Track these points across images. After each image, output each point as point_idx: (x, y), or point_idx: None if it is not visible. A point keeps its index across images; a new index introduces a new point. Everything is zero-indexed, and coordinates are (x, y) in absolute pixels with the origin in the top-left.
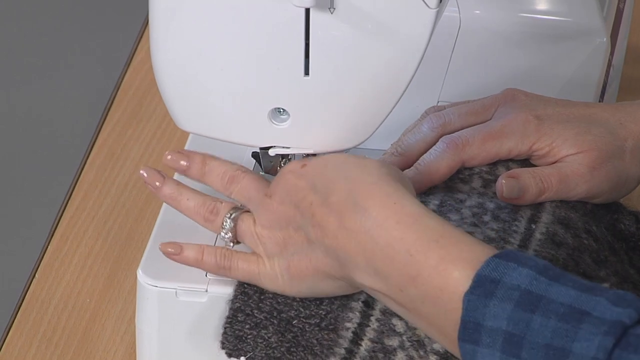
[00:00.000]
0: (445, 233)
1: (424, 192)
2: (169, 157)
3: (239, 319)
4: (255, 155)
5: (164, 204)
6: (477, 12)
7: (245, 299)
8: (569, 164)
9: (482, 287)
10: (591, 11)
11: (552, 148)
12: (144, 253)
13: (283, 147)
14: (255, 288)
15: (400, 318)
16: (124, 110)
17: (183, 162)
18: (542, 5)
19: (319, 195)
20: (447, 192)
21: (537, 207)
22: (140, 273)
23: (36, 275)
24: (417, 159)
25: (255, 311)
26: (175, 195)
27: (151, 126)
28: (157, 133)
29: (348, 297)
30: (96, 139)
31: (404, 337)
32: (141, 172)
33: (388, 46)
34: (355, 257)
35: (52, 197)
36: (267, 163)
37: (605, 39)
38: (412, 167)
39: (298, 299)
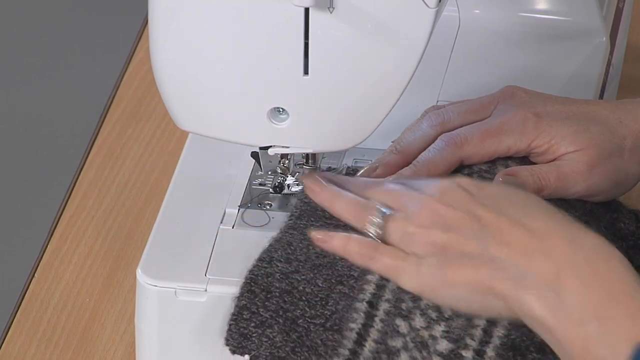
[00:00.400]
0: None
1: None
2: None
3: (244, 316)
4: (254, 154)
5: (164, 202)
6: (477, 11)
7: (252, 297)
8: (567, 161)
9: None
10: (591, 11)
11: (550, 145)
12: (143, 252)
13: (282, 147)
14: (262, 286)
15: (404, 319)
16: (124, 110)
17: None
18: (541, 5)
19: (509, 218)
20: None
21: None
22: (139, 272)
23: (36, 275)
24: (416, 157)
25: (261, 310)
26: (331, 199)
27: (151, 125)
28: (156, 132)
29: (352, 298)
30: (96, 138)
31: (407, 338)
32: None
33: (387, 46)
34: (545, 279)
35: (52, 196)
36: (267, 162)
37: (604, 39)
38: (410, 165)
39: (304, 299)
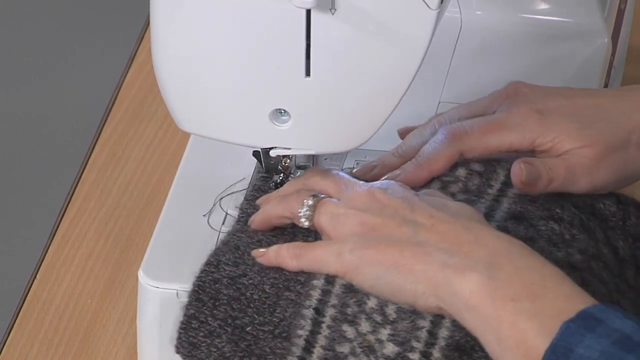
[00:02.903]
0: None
1: None
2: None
3: (193, 325)
4: (256, 154)
5: (166, 203)
6: (479, 13)
7: (200, 305)
8: (574, 156)
9: (584, 320)
10: (592, 12)
11: (554, 143)
12: (145, 254)
13: (284, 148)
14: (210, 294)
15: (350, 324)
16: (126, 111)
17: None
18: (543, 6)
19: (445, 214)
20: None
21: (492, 204)
22: (141, 274)
23: (37, 276)
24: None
25: (210, 318)
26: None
27: (152, 126)
28: (158, 133)
29: (299, 305)
30: (98, 139)
31: (355, 343)
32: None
33: (389, 47)
34: (478, 260)
35: (54, 197)
36: (268, 163)
37: (606, 40)
38: (412, 160)
39: (252, 306)
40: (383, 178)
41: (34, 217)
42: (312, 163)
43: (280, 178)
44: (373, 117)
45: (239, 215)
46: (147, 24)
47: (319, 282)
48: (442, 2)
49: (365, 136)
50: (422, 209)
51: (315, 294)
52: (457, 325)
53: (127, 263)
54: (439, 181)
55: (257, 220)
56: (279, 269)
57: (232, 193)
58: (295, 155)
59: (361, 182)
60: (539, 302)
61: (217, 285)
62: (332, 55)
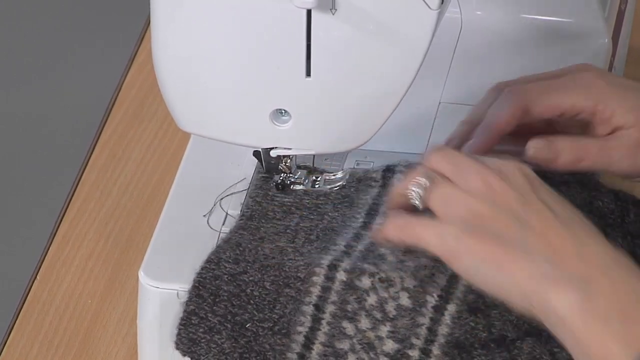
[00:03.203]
0: None
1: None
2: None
3: (192, 321)
4: (256, 154)
5: (166, 204)
6: (479, 13)
7: (200, 301)
8: (616, 137)
9: None
10: (592, 12)
11: (613, 115)
12: (145, 254)
13: (285, 148)
14: (210, 290)
15: (350, 321)
16: (126, 111)
17: None
18: (543, 7)
19: (559, 222)
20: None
21: None
22: (141, 274)
23: (37, 277)
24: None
25: (210, 315)
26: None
27: (153, 127)
28: (158, 134)
29: (299, 301)
30: (98, 139)
31: (354, 340)
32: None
33: (390, 47)
34: (576, 275)
35: (54, 197)
36: (269, 163)
37: (606, 40)
38: (480, 124)
39: (252, 303)
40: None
41: (34, 217)
42: (312, 163)
43: (281, 178)
44: (373, 117)
45: (242, 212)
46: (148, 24)
47: (318, 279)
48: (442, 3)
49: (365, 136)
50: (535, 208)
51: (315, 291)
52: (456, 323)
53: (128, 263)
54: None
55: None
56: (279, 267)
57: (233, 193)
58: (296, 155)
59: (480, 161)
60: (630, 325)
61: (217, 282)
62: (333, 55)
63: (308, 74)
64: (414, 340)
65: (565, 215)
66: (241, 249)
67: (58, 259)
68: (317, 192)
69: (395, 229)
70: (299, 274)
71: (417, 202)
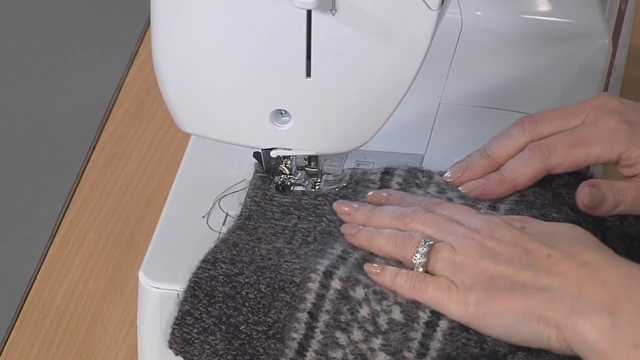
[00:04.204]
0: None
1: None
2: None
3: (187, 321)
4: (256, 155)
5: (166, 204)
6: (479, 13)
7: (195, 301)
8: None
9: None
10: (593, 13)
11: (638, 161)
12: (145, 254)
13: (285, 149)
14: (205, 291)
15: (343, 331)
16: (126, 111)
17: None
18: (543, 7)
19: (560, 251)
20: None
21: (490, 209)
22: (141, 275)
23: (38, 277)
24: (504, 163)
25: (204, 315)
26: (369, 236)
27: (153, 127)
28: (158, 134)
29: (294, 308)
30: (98, 139)
31: (347, 350)
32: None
33: (390, 48)
34: (601, 302)
35: (54, 197)
36: (269, 163)
37: (606, 41)
38: (497, 172)
39: (247, 305)
40: (462, 187)
41: (34, 217)
42: (312, 164)
43: (282, 179)
44: (374, 117)
45: (241, 212)
46: (148, 24)
47: (314, 286)
48: (442, 3)
49: (365, 137)
50: (537, 249)
51: (310, 298)
52: (448, 339)
53: (128, 264)
54: (436, 185)
55: (359, 243)
56: (275, 269)
57: (232, 193)
58: (296, 155)
59: (457, 218)
60: None
61: (213, 283)
62: (333, 55)
63: (308, 74)
64: (406, 354)
65: (565, 240)
66: (238, 249)
67: (58, 259)
68: (316, 192)
69: (410, 289)
70: (294, 278)
71: (420, 269)
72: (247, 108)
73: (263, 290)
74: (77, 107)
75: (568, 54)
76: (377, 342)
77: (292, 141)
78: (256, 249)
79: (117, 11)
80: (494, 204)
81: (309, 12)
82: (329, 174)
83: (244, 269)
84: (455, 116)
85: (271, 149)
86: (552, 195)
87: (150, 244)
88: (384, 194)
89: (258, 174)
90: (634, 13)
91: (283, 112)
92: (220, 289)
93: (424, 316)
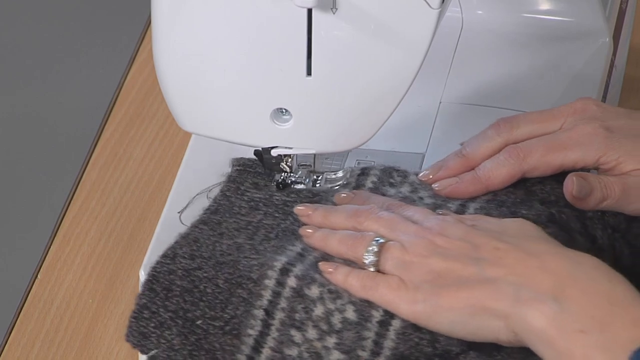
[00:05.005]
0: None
1: None
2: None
3: (144, 315)
4: (257, 153)
5: (167, 204)
6: (480, 12)
7: (152, 295)
8: (633, 177)
9: None
10: (594, 12)
11: (618, 163)
12: (146, 254)
13: (286, 148)
14: (163, 284)
15: (298, 330)
16: (127, 111)
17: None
18: (544, 6)
19: (507, 243)
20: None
21: (460, 209)
22: (142, 274)
23: (39, 276)
24: (479, 163)
25: (161, 309)
26: (323, 237)
27: (154, 126)
28: (159, 133)
29: (251, 304)
30: (99, 139)
31: (302, 348)
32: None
33: (390, 46)
34: (545, 291)
35: (55, 197)
36: (270, 162)
37: (607, 40)
38: (471, 171)
39: (205, 300)
40: (436, 185)
41: (35, 216)
42: (313, 163)
43: (282, 177)
44: (374, 116)
45: (209, 206)
46: (148, 24)
47: (270, 282)
48: (443, 2)
49: (366, 136)
50: (484, 245)
51: (266, 295)
52: (401, 339)
53: (129, 263)
54: (409, 185)
55: (314, 244)
56: (234, 265)
57: (211, 189)
58: (297, 154)
59: (415, 218)
60: (608, 332)
61: (171, 277)
62: (333, 54)
63: (309, 73)
64: (361, 353)
65: (513, 234)
66: (198, 244)
67: (59, 258)
68: (290, 190)
69: (361, 288)
70: (252, 274)
71: (372, 269)
72: (247, 107)
73: (221, 286)
74: (78, 106)
75: (569, 53)
76: (331, 341)
77: (293, 140)
78: (217, 244)
79: (117, 11)
80: (464, 203)
81: (309, 11)
82: (330, 172)
83: (203, 264)
84: (456, 115)
85: (272, 148)
86: (524, 193)
87: (150, 243)
88: (343, 194)
89: (235, 168)
90: (635, 12)
91: (284, 110)
92: (178, 283)
93: (377, 315)
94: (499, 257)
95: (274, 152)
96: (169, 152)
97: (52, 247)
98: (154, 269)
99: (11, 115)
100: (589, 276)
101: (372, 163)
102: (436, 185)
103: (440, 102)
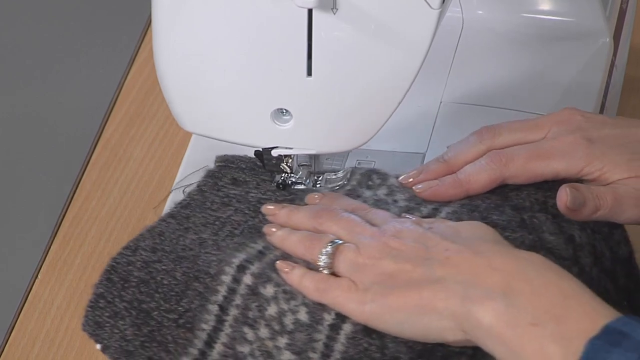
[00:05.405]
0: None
1: None
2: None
3: (100, 305)
4: (257, 153)
5: (168, 204)
6: (480, 12)
7: (109, 285)
8: (623, 186)
9: (609, 336)
10: (594, 12)
11: (602, 173)
12: None
13: (286, 148)
14: (121, 275)
15: (251, 327)
16: (127, 111)
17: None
18: (544, 6)
19: (458, 245)
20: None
21: (432, 213)
22: None
23: (39, 276)
24: (460, 168)
25: (117, 299)
26: (282, 236)
27: (154, 126)
28: (159, 133)
29: (206, 299)
30: (99, 139)
31: (254, 346)
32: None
33: (390, 46)
34: (494, 288)
35: (55, 197)
36: (270, 162)
37: (608, 40)
38: (452, 175)
39: (160, 291)
40: (418, 188)
41: (35, 216)
42: (313, 163)
43: (282, 178)
44: (374, 116)
45: (181, 200)
46: (149, 24)
47: (226, 278)
48: (443, 2)
49: (366, 136)
50: (435, 246)
51: (222, 290)
52: (351, 343)
53: None
54: (387, 187)
55: (275, 243)
56: (193, 260)
57: (188, 185)
58: (297, 154)
59: (374, 222)
60: (562, 324)
61: (129, 267)
62: (334, 54)
63: (309, 73)
64: (311, 354)
65: (466, 236)
66: (162, 238)
67: (59, 258)
68: (268, 187)
69: (314, 290)
70: (210, 269)
71: (326, 271)
72: (248, 107)
73: (178, 278)
74: (78, 106)
75: (569, 52)
76: (282, 341)
77: (293, 140)
78: (181, 239)
79: (117, 11)
80: (437, 207)
81: (310, 11)
82: (330, 172)
83: (163, 257)
84: (456, 115)
85: (272, 148)
86: (499, 198)
87: None
88: (315, 195)
89: (217, 164)
90: (635, 12)
91: (284, 111)
92: (136, 274)
93: (328, 319)
94: (447, 257)
95: (274, 153)
96: (169, 152)
97: (52, 247)
98: (114, 259)
99: (11, 115)
100: (538, 272)
101: (373, 163)
102: (418, 187)
103: (440, 102)
